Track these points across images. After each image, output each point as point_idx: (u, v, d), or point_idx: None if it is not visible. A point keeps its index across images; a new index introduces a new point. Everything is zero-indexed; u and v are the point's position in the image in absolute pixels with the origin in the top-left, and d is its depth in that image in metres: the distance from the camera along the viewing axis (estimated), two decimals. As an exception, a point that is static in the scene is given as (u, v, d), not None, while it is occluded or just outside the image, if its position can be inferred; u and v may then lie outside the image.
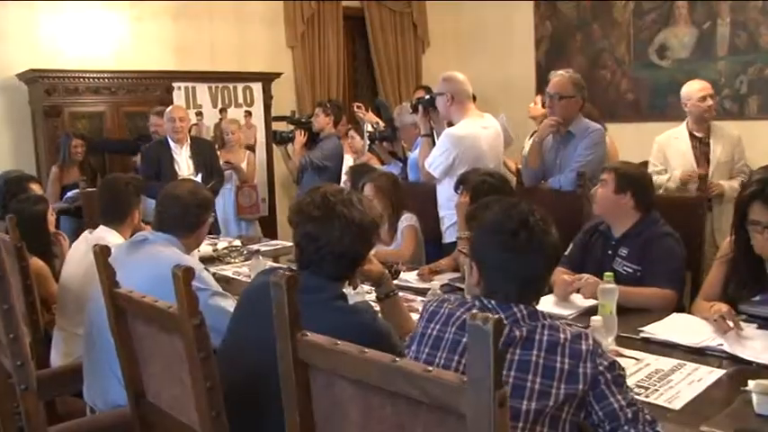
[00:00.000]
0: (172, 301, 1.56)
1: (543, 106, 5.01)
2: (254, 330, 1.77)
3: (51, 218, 3.39)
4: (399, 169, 4.41)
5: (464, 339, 1.60)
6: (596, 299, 2.47)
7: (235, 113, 6.50)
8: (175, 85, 6.16)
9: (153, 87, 6.08)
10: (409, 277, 3.27)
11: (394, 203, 3.82)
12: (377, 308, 2.09)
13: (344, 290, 1.95)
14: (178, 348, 1.58)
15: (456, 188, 3.30)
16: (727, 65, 6.20)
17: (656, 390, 1.93)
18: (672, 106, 6.70)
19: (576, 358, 1.57)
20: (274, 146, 5.73)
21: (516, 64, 7.59)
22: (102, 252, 1.77)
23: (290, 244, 4.42)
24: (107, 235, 2.89)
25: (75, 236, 5.24)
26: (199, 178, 4.71)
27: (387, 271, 2.17)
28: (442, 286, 3.04)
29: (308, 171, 5.21)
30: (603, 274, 2.47)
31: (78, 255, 2.90)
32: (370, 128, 4.78)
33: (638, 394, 1.86)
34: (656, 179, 3.92)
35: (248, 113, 6.58)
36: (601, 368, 1.57)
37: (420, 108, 3.86)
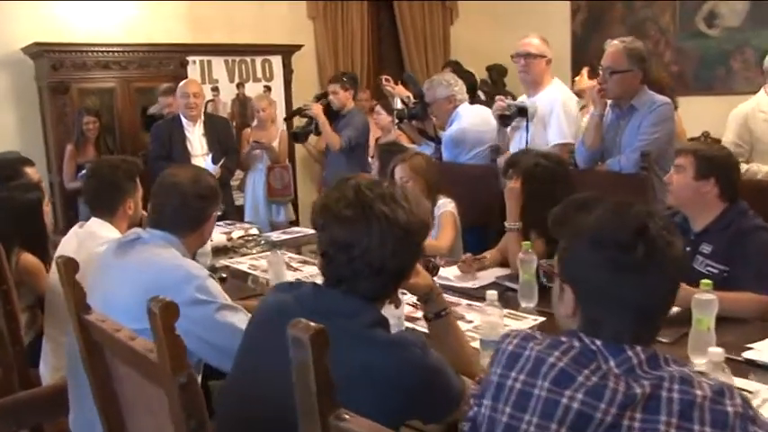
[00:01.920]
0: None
1: (590, 78, 4.48)
2: (268, 360, 1.36)
3: (47, 208, 2.93)
4: (432, 149, 3.89)
5: (564, 400, 1.11)
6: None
7: (253, 89, 6.00)
8: (190, 58, 5.67)
9: (166, 62, 5.60)
10: (448, 274, 2.79)
11: (430, 187, 3.32)
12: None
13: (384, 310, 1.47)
14: (165, 405, 1.12)
15: (505, 172, 2.79)
16: (784, 34, 5.59)
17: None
18: (720, 79, 6.13)
19: (720, 426, 1.08)
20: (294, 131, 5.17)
21: (551, 35, 6.84)
22: (67, 266, 1.31)
23: (313, 231, 4.01)
24: (99, 228, 2.44)
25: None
26: (209, 158, 4.24)
27: (436, 283, 1.67)
28: (489, 285, 2.55)
29: (331, 151, 4.70)
30: (700, 282, 1.97)
31: (68, 251, 2.43)
32: (399, 104, 4.25)
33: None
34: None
35: (267, 89, 6.08)
36: None
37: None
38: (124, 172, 2.50)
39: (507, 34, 6.97)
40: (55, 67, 5.10)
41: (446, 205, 3.31)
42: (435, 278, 2.59)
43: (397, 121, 4.14)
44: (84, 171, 4.73)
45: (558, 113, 3.42)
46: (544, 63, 3.51)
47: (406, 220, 1.37)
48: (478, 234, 3.43)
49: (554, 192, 2.68)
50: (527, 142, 3.39)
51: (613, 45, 3.21)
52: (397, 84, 4.40)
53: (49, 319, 2.47)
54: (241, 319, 1.80)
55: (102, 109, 5.32)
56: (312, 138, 5.14)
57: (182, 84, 4.50)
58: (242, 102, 5.97)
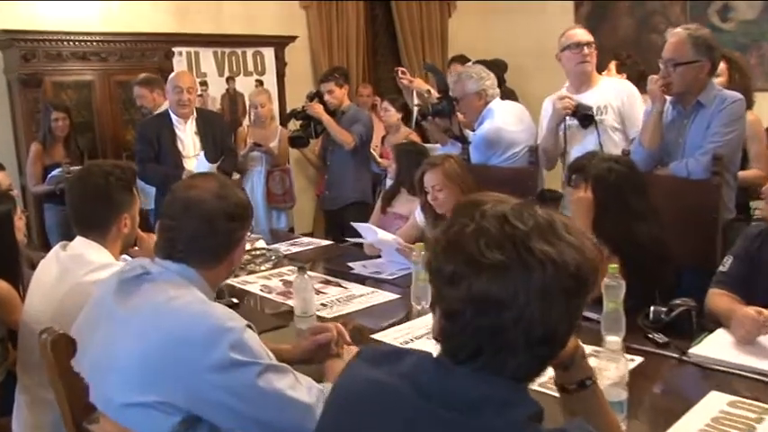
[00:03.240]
0: (193, 396, 1.13)
1: (618, 72, 4.05)
2: None
3: (20, 223, 2.40)
4: (459, 150, 3.42)
5: None
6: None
7: (244, 83, 5.48)
8: (176, 50, 5.12)
9: (150, 53, 5.04)
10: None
11: (465, 192, 2.86)
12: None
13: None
14: None
15: (568, 179, 2.33)
16: (803, 28, 5.23)
17: None
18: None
19: None
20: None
21: (553, 28, 6.50)
22: (56, 346, 0.87)
23: (326, 243, 3.51)
24: (87, 251, 1.94)
25: (63, 229, 4.30)
26: (202, 157, 3.70)
27: (581, 344, 1.19)
28: None
29: (335, 151, 4.20)
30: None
31: (47, 281, 1.94)
32: (416, 98, 3.77)
33: None
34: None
35: (259, 83, 5.55)
36: None
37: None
38: (118, 180, 1.99)
39: (506, 29, 6.58)
40: (26, 57, 4.53)
41: (485, 215, 2.84)
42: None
43: (419, 118, 3.65)
44: (54, 174, 4.19)
45: (638, 105, 3.09)
46: (596, 53, 3.10)
47: (577, 263, 0.90)
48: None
49: (629, 202, 2.25)
50: (600, 145, 2.99)
51: (675, 34, 2.77)
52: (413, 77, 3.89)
53: (23, 366, 1.96)
54: (291, 385, 1.33)
55: (79, 104, 4.77)
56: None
57: (173, 76, 3.96)
58: (232, 97, 5.45)
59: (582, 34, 3.16)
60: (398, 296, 2.47)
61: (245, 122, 5.26)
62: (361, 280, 2.70)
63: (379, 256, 2.92)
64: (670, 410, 1.56)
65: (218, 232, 1.44)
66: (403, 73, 3.76)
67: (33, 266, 2.66)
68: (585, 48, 3.11)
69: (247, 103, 5.54)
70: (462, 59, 5.27)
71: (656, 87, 2.80)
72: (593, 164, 2.27)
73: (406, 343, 2.01)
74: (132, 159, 4.23)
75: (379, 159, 4.27)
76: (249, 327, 1.35)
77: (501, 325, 0.89)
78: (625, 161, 2.36)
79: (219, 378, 1.26)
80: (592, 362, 1.23)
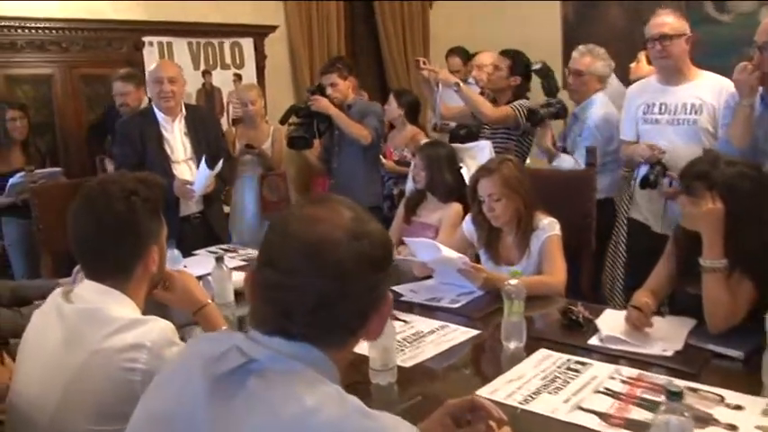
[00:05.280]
0: None
1: (649, 63, 3.65)
2: None
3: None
4: (572, 165, 2.99)
5: None
6: None
7: (220, 77, 4.89)
8: (146, 39, 4.49)
9: (117, 43, 4.41)
10: (609, 327, 1.90)
11: (528, 203, 2.41)
12: None
13: None
14: None
15: (686, 188, 1.89)
16: (802, 18, 4.96)
17: None
18: (733, 69, 5.45)
19: None
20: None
21: (539, 20, 6.12)
22: None
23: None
24: (105, 304, 1.37)
25: (25, 246, 3.63)
26: (204, 163, 3.12)
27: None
28: (692, 351, 1.68)
29: (342, 151, 3.67)
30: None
31: (48, 348, 1.37)
32: (440, 88, 3.27)
33: None
34: None
35: (237, 77, 4.97)
36: None
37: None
38: (145, 201, 1.43)
39: (489, 20, 6.14)
40: (-25, 47, 3.86)
41: (552, 227, 2.41)
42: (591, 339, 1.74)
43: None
44: (14, 181, 3.52)
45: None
46: (684, 43, 2.64)
47: None
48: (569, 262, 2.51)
49: (763, 213, 1.83)
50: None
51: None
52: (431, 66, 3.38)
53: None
54: None
55: (37, 101, 4.10)
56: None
57: (153, 67, 3.32)
58: (209, 93, 4.85)
59: (655, 25, 2.74)
60: (476, 331, 1.99)
61: (223, 120, 4.68)
62: (410, 308, 2.21)
63: (429, 277, 2.43)
64: None
65: (358, 291, 0.92)
66: (424, 63, 3.27)
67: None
68: (658, 43, 2.69)
69: (224, 100, 4.97)
70: (461, 52, 4.81)
71: (748, 77, 2.40)
72: (721, 170, 1.84)
73: (527, 401, 1.54)
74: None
75: (384, 160, 3.76)
76: None
77: None
78: (753, 164, 1.94)
79: None
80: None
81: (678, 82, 2.75)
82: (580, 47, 3.16)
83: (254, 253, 3.02)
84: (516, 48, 3.55)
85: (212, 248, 3.11)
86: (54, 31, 4.13)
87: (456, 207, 3.00)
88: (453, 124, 4.11)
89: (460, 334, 1.97)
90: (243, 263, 2.83)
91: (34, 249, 3.40)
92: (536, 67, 3.23)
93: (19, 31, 3.99)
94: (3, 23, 3.92)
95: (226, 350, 0.92)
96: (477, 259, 2.54)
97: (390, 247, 0.97)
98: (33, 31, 4.05)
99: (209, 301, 1.68)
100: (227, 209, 3.92)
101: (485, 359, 1.93)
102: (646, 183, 2.70)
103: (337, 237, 0.92)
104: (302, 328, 0.92)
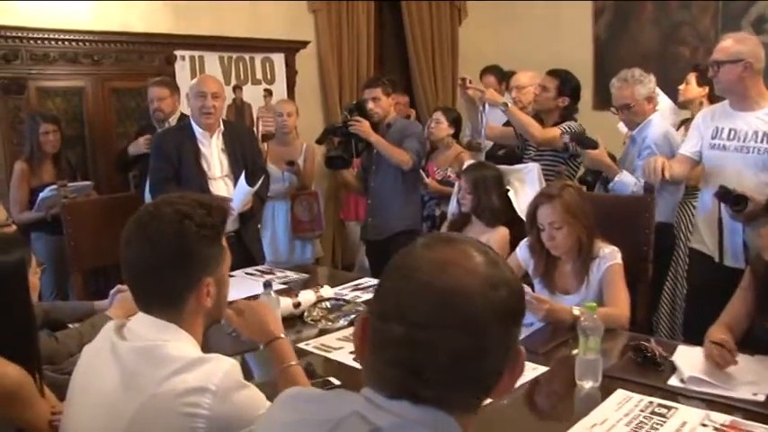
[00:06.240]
0: None
1: (699, 85, 3.52)
2: None
3: (34, 279, 1.70)
4: (635, 185, 2.84)
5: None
6: None
7: (251, 93, 4.79)
8: (178, 53, 4.40)
9: (148, 56, 4.33)
10: (688, 366, 1.77)
11: (589, 230, 2.27)
12: None
13: None
14: None
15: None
16: None
17: None
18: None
19: None
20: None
21: (570, 38, 6.01)
22: None
23: (373, 282, 2.82)
24: (163, 342, 1.24)
25: (56, 264, 3.49)
26: (243, 179, 3.00)
27: None
28: None
29: (379, 171, 3.54)
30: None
31: (103, 389, 1.24)
32: (486, 108, 3.15)
33: None
34: None
35: (268, 92, 4.87)
36: None
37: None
38: (200, 227, 1.30)
39: (519, 38, 6.04)
40: (7, 58, 3.78)
41: (614, 256, 2.28)
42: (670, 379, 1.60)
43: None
44: (45, 195, 3.42)
45: None
46: (740, 69, 2.49)
47: None
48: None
49: None
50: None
51: None
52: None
53: None
54: None
55: (68, 114, 4.02)
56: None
57: (196, 81, 3.23)
58: (239, 108, 4.75)
59: (719, 50, 2.59)
60: (544, 368, 1.85)
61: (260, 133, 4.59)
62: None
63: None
64: None
65: (496, 347, 0.79)
66: (470, 82, 3.15)
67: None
68: (711, 69, 2.57)
69: (254, 115, 4.87)
70: (496, 71, 4.70)
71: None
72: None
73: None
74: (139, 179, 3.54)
75: (427, 180, 3.63)
76: None
77: None
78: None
79: None
80: None
81: (748, 108, 2.59)
82: (614, 81, 2.98)
83: (293, 275, 2.90)
84: (543, 63, 3.42)
85: (249, 269, 2.99)
86: (87, 44, 4.05)
87: (502, 231, 2.88)
88: (489, 143, 3.99)
89: (529, 371, 1.83)
90: (283, 286, 2.71)
91: (63, 267, 3.30)
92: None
93: (52, 42, 3.91)
94: (37, 35, 3.85)
95: (344, 416, 0.79)
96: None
97: (519, 296, 0.84)
98: (66, 43, 3.97)
99: (282, 336, 1.56)
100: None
101: (557, 399, 1.80)
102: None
103: (472, 285, 0.79)
104: (432, 390, 0.79)
